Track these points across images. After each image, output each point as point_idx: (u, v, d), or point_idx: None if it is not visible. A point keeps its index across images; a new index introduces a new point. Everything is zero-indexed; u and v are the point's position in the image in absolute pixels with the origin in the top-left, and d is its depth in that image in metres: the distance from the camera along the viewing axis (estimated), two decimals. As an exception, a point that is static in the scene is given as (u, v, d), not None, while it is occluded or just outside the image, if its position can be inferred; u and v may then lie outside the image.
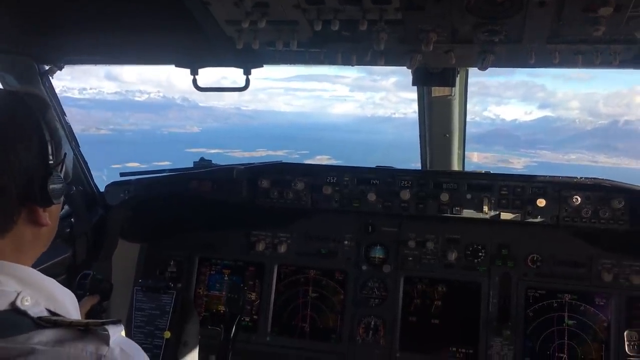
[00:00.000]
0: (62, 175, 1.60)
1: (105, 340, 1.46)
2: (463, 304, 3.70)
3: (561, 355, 3.53)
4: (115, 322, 1.53)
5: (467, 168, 4.24)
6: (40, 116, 1.57)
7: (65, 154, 1.63)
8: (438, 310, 3.73)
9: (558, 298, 3.58)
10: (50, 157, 1.56)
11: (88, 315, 2.94)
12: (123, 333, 1.54)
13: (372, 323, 3.77)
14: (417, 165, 4.25)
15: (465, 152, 4.06)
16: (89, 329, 1.49)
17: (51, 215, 1.62)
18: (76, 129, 3.71)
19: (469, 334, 3.64)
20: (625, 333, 2.62)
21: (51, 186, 1.55)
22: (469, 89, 3.62)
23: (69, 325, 1.49)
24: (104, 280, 3.10)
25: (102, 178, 4.07)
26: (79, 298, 2.99)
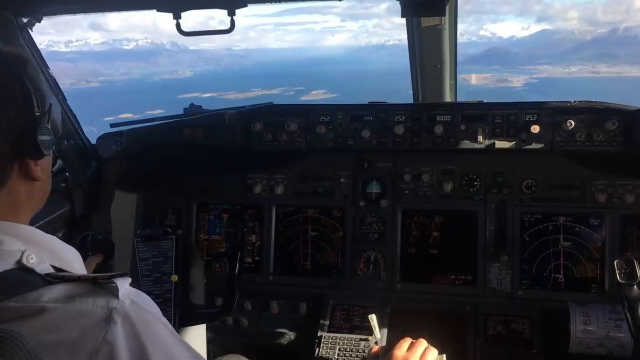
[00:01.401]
0: (49, 127, 1.59)
1: (115, 292, 1.48)
2: (460, 233, 3.77)
3: (557, 275, 3.63)
4: (122, 275, 1.55)
5: (466, 90, 4.23)
6: (21, 70, 1.56)
7: (51, 104, 1.63)
8: (436, 240, 3.80)
9: (553, 221, 3.65)
10: (36, 109, 1.56)
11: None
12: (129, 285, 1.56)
13: (372, 257, 3.84)
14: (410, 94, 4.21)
15: (464, 75, 4.04)
16: (98, 283, 1.51)
17: (43, 170, 1.63)
18: (65, 83, 3.65)
19: (467, 262, 3.72)
20: (615, 262, 2.69)
21: (40, 138, 1.55)
22: (464, 7, 3.54)
23: (78, 279, 1.50)
24: (104, 239, 3.13)
25: (94, 132, 4.03)
26: (83, 260, 3.04)
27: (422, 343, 2.60)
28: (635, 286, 2.67)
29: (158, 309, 1.62)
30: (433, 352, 2.57)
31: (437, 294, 3.72)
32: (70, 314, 1.42)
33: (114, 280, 1.52)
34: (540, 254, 3.64)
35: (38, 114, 1.56)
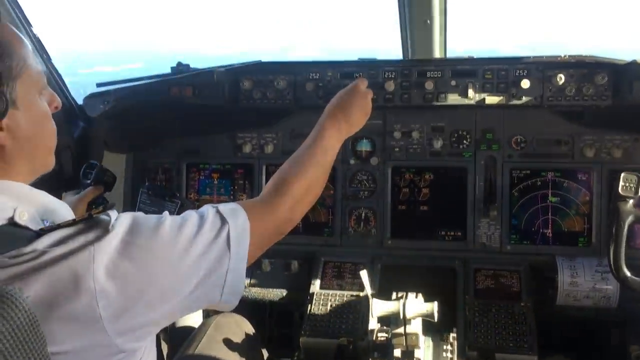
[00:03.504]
0: (2, 89, 1.52)
1: (106, 225, 1.51)
2: (450, 189, 3.79)
3: (545, 230, 3.68)
4: (112, 207, 1.58)
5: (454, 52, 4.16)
6: None
7: (8, 64, 1.55)
8: (426, 197, 3.82)
9: (542, 176, 3.68)
10: None
11: (90, 204, 2.99)
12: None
13: (363, 214, 3.87)
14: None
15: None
16: (91, 217, 1.51)
17: (10, 130, 1.57)
18: None
19: (457, 218, 3.76)
20: (622, 175, 2.73)
21: None
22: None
23: (73, 222, 1.50)
24: (108, 171, 3.13)
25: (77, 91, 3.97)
26: (83, 187, 3.06)
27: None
28: (630, 201, 2.72)
29: (157, 233, 1.62)
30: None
31: (428, 250, 3.77)
32: (63, 255, 1.43)
33: (107, 213, 1.54)
34: (529, 209, 3.68)
35: None
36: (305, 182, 2.17)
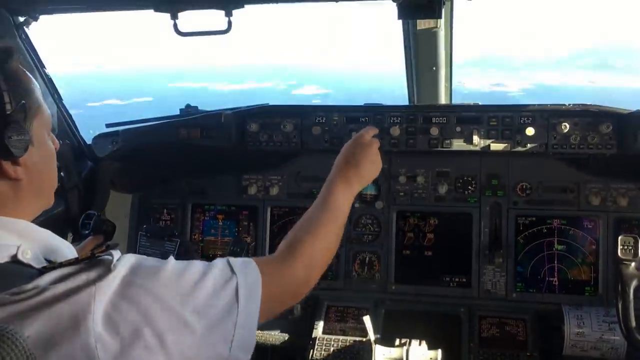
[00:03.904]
0: (24, 126, 1.55)
1: (108, 264, 1.49)
2: (455, 235, 3.77)
3: (552, 279, 3.64)
4: (115, 247, 1.56)
5: (461, 93, 4.22)
6: None
7: (24, 103, 1.56)
8: (430, 242, 3.80)
9: (547, 224, 3.66)
10: (8, 107, 1.51)
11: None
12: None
13: (367, 259, 3.85)
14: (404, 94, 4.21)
15: (460, 77, 4.04)
16: (94, 256, 1.50)
17: (27, 168, 1.59)
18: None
19: (461, 264, 3.73)
20: (619, 237, 2.72)
21: (13, 137, 1.51)
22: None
23: (75, 261, 1.49)
24: (107, 220, 3.13)
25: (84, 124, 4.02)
26: (82, 238, 3.05)
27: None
28: (632, 264, 2.69)
29: (159, 274, 1.60)
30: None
31: (432, 296, 3.73)
32: (70, 288, 1.41)
33: (110, 252, 1.53)
34: (535, 256, 3.66)
35: (9, 112, 1.51)
36: (319, 240, 2.10)
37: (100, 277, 1.46)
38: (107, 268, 1.49)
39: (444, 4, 2.96)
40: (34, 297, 1.39)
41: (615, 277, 2.76)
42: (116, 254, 1.55)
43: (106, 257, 1.52)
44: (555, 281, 3.63)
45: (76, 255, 1.69)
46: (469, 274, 3.70)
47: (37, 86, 1.68)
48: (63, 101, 3.72)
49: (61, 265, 1.48)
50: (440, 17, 3.01)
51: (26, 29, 3.32)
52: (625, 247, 2.70)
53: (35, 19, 3.26)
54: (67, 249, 1.72)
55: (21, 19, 3.26)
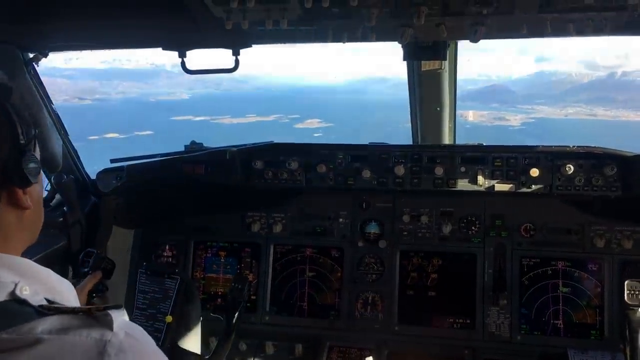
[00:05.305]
0: (35, 154, 1.58)
1: (109, 325, 1.46)
2: (459, 275, 3.74)
3: (556, 321, 3.59)
4: (117, 307, 1.53)
5: (463, 127, 4.25)
6: (3, 99, 1.54)
7: (35, 131, 1.61)
8: (434, 282, 3.77)
9: (552, 265, 3.63)
10: (21, 137, 1.54)
11: (91, 293, 2.95)
12: (126, 317, 1.54)
13: (370, 298, 3.80)
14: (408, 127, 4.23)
15: (461, 111, 4.08)
16: (92, 314, 1.49)
17: (32, 198, 1.61)
18: (58, 99, 3.65)
19: (465, 305, 3.69)
20: (625, 282, 2.70)
21: (27, 165, 1.54)
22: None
23: (72, 311, 1.48)
24: (107, 258, 3.12)
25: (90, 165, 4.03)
26: (82, 276, 3.03)
27: None
28: (639, 310, 2.66)
29: (153, 342, 1.58)
30: None
31: (435, 337, 3.67)
32: (64, 347, 1.39)
33: (108, 312, 1.50)
34: (540, 298, 3.62)
35: (23, 142, 1.55)
36: None
37: (101, 354, 1.42)
38: (110, 327, 1.46)
39: (448, 45, 3.01)
40: (31, 346, 1.37)
41: (622, 323, 2.71)
42: (116, 315, 1.51)
43: (106, 317, 1.49)
44: (560, 324, 3.58)
45: (75, 294, 1.68)
46: (473, 315, 3.66)
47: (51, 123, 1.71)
48: (69, 136, 3.74)
49: (58, 310, 1.47)
50: (445, 59, 3.06)
51: (35, 65, 3.35)
52: (632, 292, 2.69)
53: (45, 56, 3.29)
54: (67, 289, 1.70)
55: (31, 55, 3.29)
